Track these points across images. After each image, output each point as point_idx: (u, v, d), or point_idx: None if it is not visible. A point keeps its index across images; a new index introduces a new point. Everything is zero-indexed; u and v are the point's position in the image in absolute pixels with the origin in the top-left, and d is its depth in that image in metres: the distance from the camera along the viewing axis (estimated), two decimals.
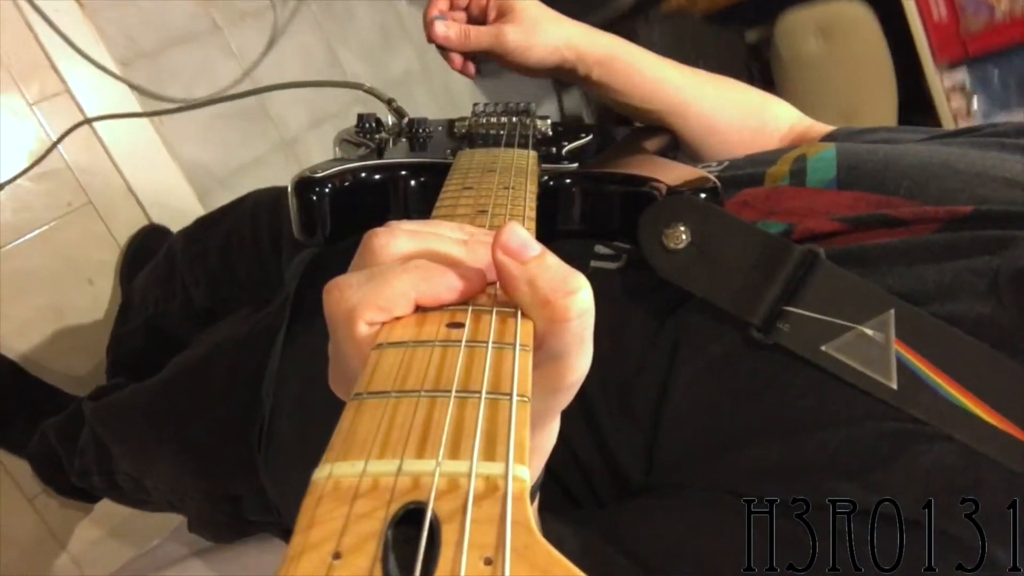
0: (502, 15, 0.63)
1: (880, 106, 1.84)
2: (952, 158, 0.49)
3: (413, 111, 0.67)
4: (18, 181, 1.24)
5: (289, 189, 0.52)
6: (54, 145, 1.17)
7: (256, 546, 0.90)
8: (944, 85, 1.74)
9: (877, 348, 0.39)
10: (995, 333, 0.38)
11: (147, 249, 1.28)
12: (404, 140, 0.65)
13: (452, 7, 0.64)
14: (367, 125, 0.66)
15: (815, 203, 0.50)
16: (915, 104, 1.78)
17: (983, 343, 0.38)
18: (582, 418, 0.47)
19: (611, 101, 0.68)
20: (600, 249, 0.52)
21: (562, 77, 0.66)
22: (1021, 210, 0.43)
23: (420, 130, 0.66)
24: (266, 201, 0.93)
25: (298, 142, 1.64)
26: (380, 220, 0.53)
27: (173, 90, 1.46)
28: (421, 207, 0.54)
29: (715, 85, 0.70)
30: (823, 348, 0.40)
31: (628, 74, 0.65)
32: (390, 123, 0.68)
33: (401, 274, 0.26)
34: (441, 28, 0.62)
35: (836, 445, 0.38)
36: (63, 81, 1.31)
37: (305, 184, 0.51)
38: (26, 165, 1.25)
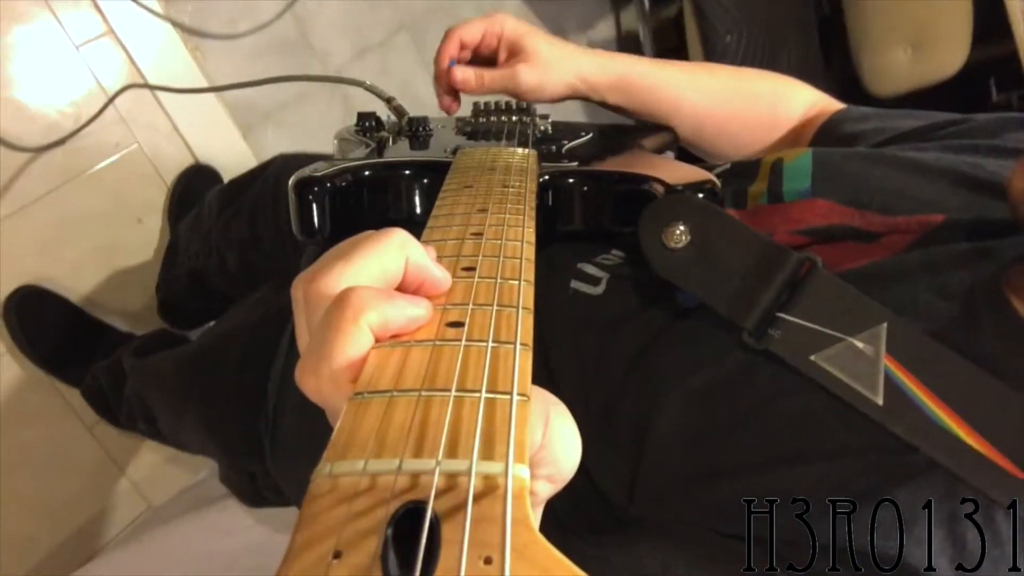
0: (513, 55, 0.64)
1: (953, 28, 1.76)
2: (924, 165, 0.49)
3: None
4: (66, 124, 1.25)
5: (288, 188, 0.52)
6: (110, 101, 1.18)
7: None
8: (1023, 5, 1.68)
9: (866, 361, 0.38)
10: (978, 358, 0.37)
11: (194, 188, 1.32)
12: (404, 139, 0.65)
13: (462, 48, 0.64)
14: (367, 124, 0.66)
15: (788, 214, 0.50)
16: (990, 27, 1.72)
17: (972, 364, 0.37)
18: None
19: (630, 116, 0.69)
20: (584, 267, 0.52)
21: (580, 99, 0.68)
22: (992, 216, 0.42)
23: (420, 128, 0.66)
24: (287, 169, 0.95)
25: (341, 74, 1.60)
26: (380, 219, 0.53)
27: (215, 25, 1.45)
28: (421, 206, 0.54)
29: (730, 89, 0.70)
30: (812, 358, 0.40)
31: (644, 95, 0.67)
32: (390, 121, 0.68)
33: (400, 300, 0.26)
34: (459, 73, 0.63)
35: (815, 479, 0.38)
36: (106, 22, 1.32)
37: (304, 184, 0.51)
38: (74, 109, 1.26)
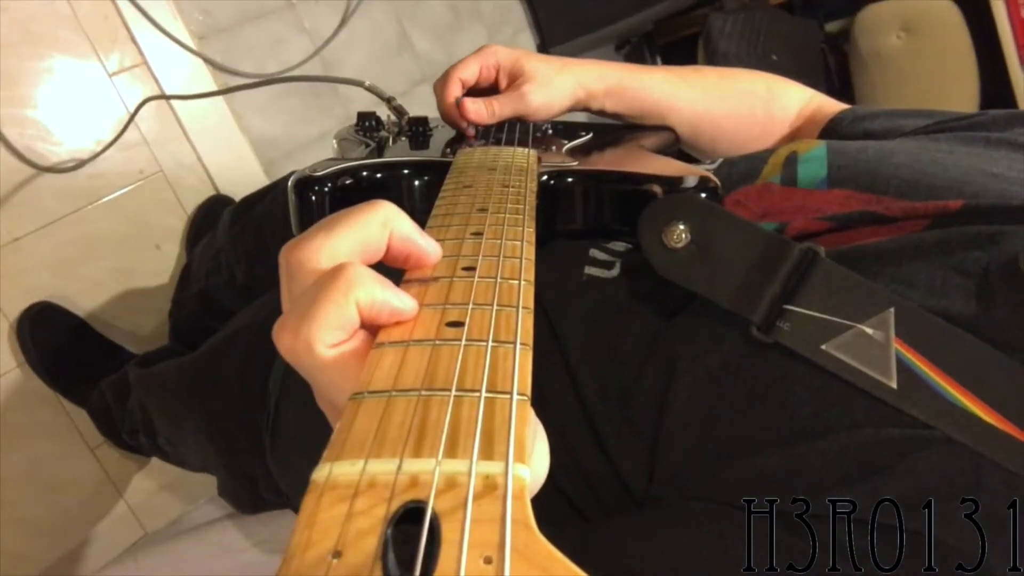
0: (514, 79, 0.65)
1: (961, 102, 1.79)
2: (940, 155, 0.50)
3: None
4: (92, 148, 1.27)
5: (288, 188, 0.52)
6: (131, 119, 1.18)
7: (286, 514, 0.93)
8: None
9: (877, 347, 0.39)
10: (990, 332, 0.38)
11: (212, 218, 1.33)
12: (404, 138, 0.64)
13: (463, 87, 0.65)
14: (367, 123, 0.66)
15: (807, 202, 0.50)
16: (997, 103, 1.75)
17: (982, 341, 0.37)
18: (585, 426, 0.47)
19: (629, 122, 0.70)
20: (595, 253, 0.52)
21: (578, 110, 0.68)
22: (1008, 204, 0.43)
23: (420, 128, 0.66)
24: None
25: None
26: None
27: (245, 65, 1.49)
28: (421, 205, 0.54)
29: (722, 87, 0.71)
30: (823, 347, 0.40)
31: (639, 99, 0.67)
32: (390, 121, 0.68)
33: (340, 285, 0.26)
34: (471, 106, 0.63)
35: (836, 452, 0.38)
36: (141, 54, 1.35)
37: (304, 183, 0.51)
38: (101, 135, 1.29)
